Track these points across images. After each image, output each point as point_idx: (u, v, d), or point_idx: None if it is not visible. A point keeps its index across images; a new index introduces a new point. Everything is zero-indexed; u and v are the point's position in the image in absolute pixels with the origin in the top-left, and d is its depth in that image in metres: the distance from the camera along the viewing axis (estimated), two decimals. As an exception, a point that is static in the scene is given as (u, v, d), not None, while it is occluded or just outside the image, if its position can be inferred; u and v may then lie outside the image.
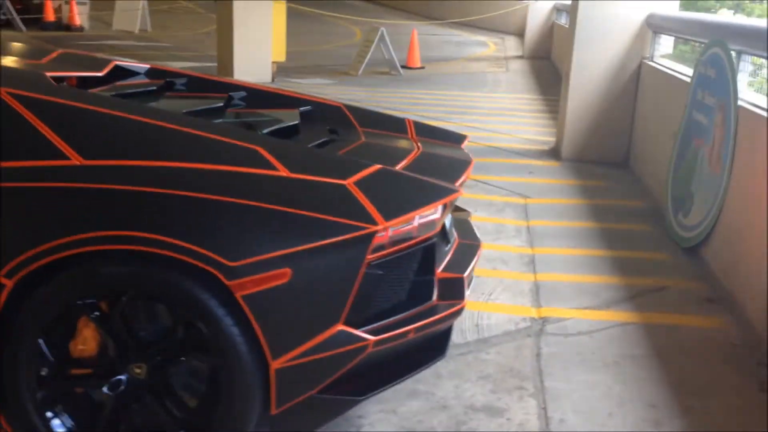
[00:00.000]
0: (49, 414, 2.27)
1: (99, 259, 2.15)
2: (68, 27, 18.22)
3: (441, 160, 2.96)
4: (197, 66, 13.66)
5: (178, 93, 3.43)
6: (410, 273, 2.49)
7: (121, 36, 17.93)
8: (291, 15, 13.33)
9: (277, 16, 12.17)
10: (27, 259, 2.12)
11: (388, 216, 2.25)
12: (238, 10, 11.56)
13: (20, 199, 2.19)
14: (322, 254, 2.18)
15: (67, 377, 2.28)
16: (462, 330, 3.55)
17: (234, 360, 2.17)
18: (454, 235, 3.08)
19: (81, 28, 18.43)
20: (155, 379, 2.27)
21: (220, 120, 3.01)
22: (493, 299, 3.94)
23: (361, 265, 2.20)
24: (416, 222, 2.38)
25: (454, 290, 2.62)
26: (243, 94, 3.46)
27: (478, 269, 4.25)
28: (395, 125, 3.34)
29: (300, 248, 2.15)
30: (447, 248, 2.90)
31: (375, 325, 2.31)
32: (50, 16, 18.33)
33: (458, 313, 2.55)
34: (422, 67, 14.77)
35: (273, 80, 12.00)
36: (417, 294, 2.54)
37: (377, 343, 2.26)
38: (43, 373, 2.24)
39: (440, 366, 3.19)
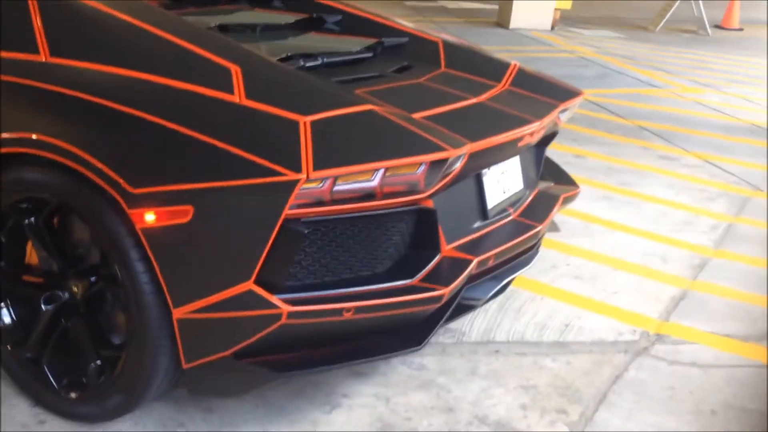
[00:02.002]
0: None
1: (26, 164, 2.06)
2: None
3: (495, 115, 2.39)
4: (480, 7, 13.38)
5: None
6: (379, 240, 2.04)
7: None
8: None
9: (569, -41, 11.35)
10: None
11: (323, 165, 1.83)
12: (525, -50, 10.98)
13: None
14: (230, 197, 1.84)
15: (16, 280, 2.26)
16: (543, 326, 2.95)
17: (138, 297, 1.96)
18: (512, 210, 2.51)
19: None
20: (88, 301, 2.15)
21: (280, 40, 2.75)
22: (613, 299, 3.22)
23: (278, 219, 1.83)
24: (377, 178, 1.91)
25: (445, 274, 2.11)
26: (338, 17, 3.12)
27: (622, 261, 3.54)
28: (491, 70, 2.78)
29: (204, 185, 1.85)
30: (480, 222, 2.36)
31: (299, 294, 1.92)
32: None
33: (426, 301, 2.03)
34: (740, 29, 12.85)
35: (552, 28, 11.29)
36: (396, 268, 2.09)
37: (294, 314, 1.89)
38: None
39: (482, 362, 2.69)
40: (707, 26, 12.16)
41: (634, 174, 4.88)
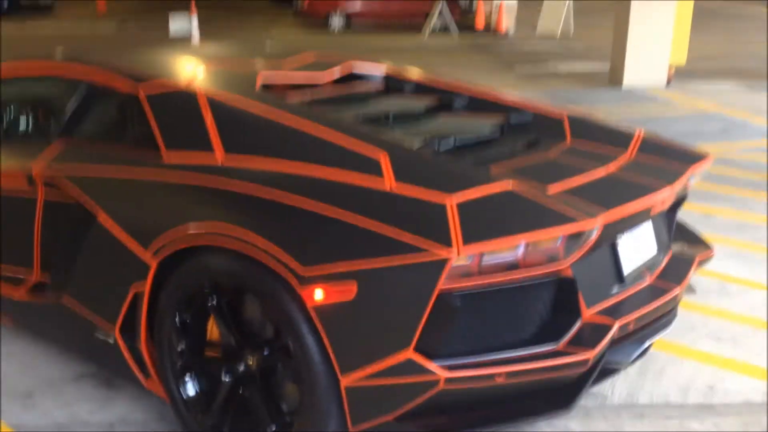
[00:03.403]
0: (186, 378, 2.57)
1: (211, 251, 2.36)
2: (495, 32, 19.35)
3: (625, 184, 2.52)
4: (591, 68, 13.41)
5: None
6: (524, 308, 2.20)
7: (539, 39, 18.40)
8: (699, 13, 12.24)
9: (681, 14, 11.26)
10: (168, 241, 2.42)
11: (471, 241, 2.02)
12: (637, 7, 10.98)
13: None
14: (389, 274, 2.06)
15: (200, 355, 2.55)
16: (687, 388, 2.97)
17: (309, 368, 2.19)
18: (649, 274, 2.60)
19: (506, 35, 19.39)
20: (263, 372, 2.40)
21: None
22: (756, 360, 3.20)
23: (432, 292, 2.03)
24: (520, 251, 2.09)
25: (588, 338, 2.23)
26: (465, 101, 3.35)
27: (762, 320, 3.50)
28: (616, 139, 2.92)
29: (366, 265, 2.07)
30: (618, 288, 2.47)
31: (454, 361, 2.10)
32: (480, 24, 19.60)
33: (574, 366, 2.15)
34: None
35: (668, 84, 11.18)
36: (540, 333, 2.23)
37: (451, 380, 2.06)
38: (179, 348, 2.53)
39: (626, 425, 2.75)
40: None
41: (766, 230, 4.79)
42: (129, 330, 2.64)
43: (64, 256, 2.82)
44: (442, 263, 2.02)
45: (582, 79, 12.22)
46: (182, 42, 11.58)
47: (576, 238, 2.14)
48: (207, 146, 2.55)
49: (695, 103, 9.74)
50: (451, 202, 2.12)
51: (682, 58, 11.28)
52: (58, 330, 2.96)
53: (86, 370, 3.16)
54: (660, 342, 3.22)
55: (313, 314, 2.14)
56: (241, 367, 2.43)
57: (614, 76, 11.49)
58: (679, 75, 11.56)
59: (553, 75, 12.88)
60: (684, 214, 4.96)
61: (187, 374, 2.56)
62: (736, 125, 8.26)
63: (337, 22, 19.26)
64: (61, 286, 2.83)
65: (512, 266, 2.11)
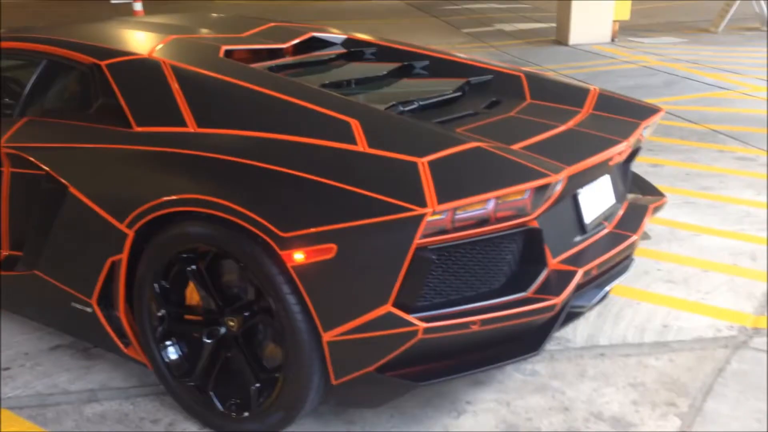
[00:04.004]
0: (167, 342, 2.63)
1: (188, 220, 2.41)
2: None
3: (584, 139, 2.64)
4: (537, 27, 13.57)
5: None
6: (495, 260, 2.31)
7: (489, 2, 18.48)
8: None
9: (623, -29, 11.47)
10: (144, 210, 2.45)
11: (444, 199, 2.12)
12: (580, -33, 11.15)
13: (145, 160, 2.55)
14: (367, 234, 2.15)
15: (180, 320, 2.61)
16: (643, 328, 3.15)
17: (292, 326, 2.27)
18: (607, 223, 2.75)
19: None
20: (245, 333, 2.48)
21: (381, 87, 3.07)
22: (707, 299, 3.40)
23: (409, 249, 2.12)
24: (490, 206, 2.20)
25: (555, 285, 2.36)
26: (425, 63, 3.44)
27: (711, 262, 3.70)
28: (573, 97, 3.05)
29: (345, 225, 2.16)
30: (580, 237, 2.61)
31: (431, 312, 2.21)
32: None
33: (543, 311, 2.29)
34: (805, 20, 12.68)
35: (613, 40, 11.42)
36: (510, 283, 2.36)
37: (429, 330, 2.17)
38: (160, 314, 2.59)
39: (589, 365, 2.91)
40: (771, 21, 12.06)
41: (713, 177, 5.02)
42: (106, 299, 2.68)
43: (37, 228, 2.84)
44: (418, 220, 2.11)
45: (528, 37, 12.37)
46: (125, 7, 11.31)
47: (542, 191, 2.26)
48: (178, 116, 2.59)
49: (639, 58, 9.98)
50: (423, 161, 2.21)
51: (625, 14, 11.51)
52: (33, 303, 2.99)
53: (62, 341, 3.20)
54: (617, 287, 3.40)
55: (294, 275, 2.22)
56: (223, 330, 2.50)
57: (561, 34, 11.67)
58: (623, 30, 11.81)
59: (499, 33, 13.00)
60: (635, 165, 5.16)
61: (169, 339, 2.62)
62: (679, 78, 8.51)
63: (281, -15, 19.03)
64: (34, 259, 2.85)
65: (483, 220, 2.21)
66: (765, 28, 12.05)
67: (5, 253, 3.04)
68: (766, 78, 8.25)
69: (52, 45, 3.07)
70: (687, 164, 5.34)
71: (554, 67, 9.27)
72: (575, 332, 3.14)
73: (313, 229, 2.18)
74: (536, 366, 2.91)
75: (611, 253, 2.60)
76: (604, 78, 8.50)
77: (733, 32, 11.98)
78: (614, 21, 11.42)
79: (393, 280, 2.15)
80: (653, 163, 5.39)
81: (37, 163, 2.80)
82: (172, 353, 2.62)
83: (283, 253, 2.21)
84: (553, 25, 12.22)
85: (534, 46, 11.37)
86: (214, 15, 3.97)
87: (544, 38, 12.17)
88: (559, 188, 2.34)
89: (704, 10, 14.21)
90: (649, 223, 3.99)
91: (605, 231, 2.73)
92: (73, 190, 2.66)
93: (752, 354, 2.94)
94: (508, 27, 13.64)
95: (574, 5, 11.15)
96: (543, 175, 2.23)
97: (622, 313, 3.29)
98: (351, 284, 2.20)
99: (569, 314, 2.56)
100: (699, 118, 6.60)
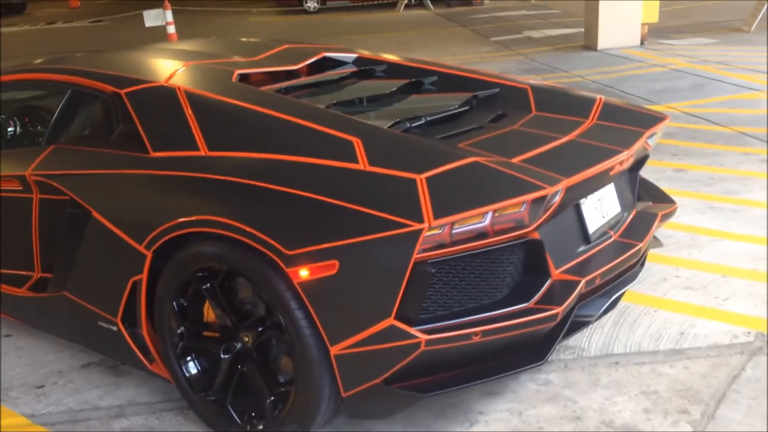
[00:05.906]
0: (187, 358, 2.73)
1: (202, 240, 2.52)
2: (470, 1, 19.41)
3: (585, 150, 2.68)
4: (565, 33, 13.53)
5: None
6: (496, 271, 2.37)
7: (515, 6, 18.49)
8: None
9: (651, -26, 11.38)
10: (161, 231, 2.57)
11: (441, 214, 2.19)
12: (607, -30, 11.09)
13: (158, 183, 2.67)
14: (368, 250, 2.22)
15: (198, 336, 2.71)
16: (659, 336, 3.16)
17: (301, 340, 2.36)
18: (613, 232, 2.78)
19: (481, 2, 19.46)
20: (258, 348, 2.56)
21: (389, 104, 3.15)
22: (725, 305, 3.39)
23: (408, 263, 2.19)
24: (488, 219, 2.26)
25: (557, 295, 2.41)
26: (434, 78, 3.51)
27: (731, 267, 3.69)
28: (578, 107, 3.08)
29: (346, 242, 2.23)
30: (584, 246, 2.64)
31: (434, 324, 2.27)
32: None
33: (543, 321, 2.33)
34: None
35: (642, 43, 11.33)
36: (513, 294, 2.41)
37: (431, 342, 2.23)
38: (179, 331, 2.69)
39: (602, 373, 2.93)
40: (805, 18, 11.85)
41: (737, 181, 4.98)
42: (130, 318, 2.80)
43: (64, 251, 2.97)
44: (415, 235, 2.18)
45: (556, 43, 12.35)
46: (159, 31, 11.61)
47: (539, 203, 2.31)
48: (191, 140, 2.70)
49: (668, 60, 9.90)
50: (421, 177, 2.28)
51: (654, 16, 11.41)
52: (63, 323, 3.12)
53: (92, 358, 3.33)
54: (634, 295, 3.43)
55: (300, 291, 2.30)
56: (238, 345, 2.59)
57: (589, 39, 11.62)
58: (652, 33, 11.71)
59: (527, 40, 13.00)
60: (656, 171, 5.16)
61: (189, 355, 2.73)
62: (708, 80, 8.43)
63: (312, 2, 19.35)
64: (63, 281, 2.99)
65: (481, 234, 2.27)
66: (800, 26, 11.83)
67: (38, 275, 3.19)
68: (798, 77, 8.12)
69: (75, 75, 3.22)
70: (712, 168, 5.31)
71: (581, 73, 9.26)
72: (590, 341, 3.16)
73: (316, 247, 2.27)
74: (549, 375, 2.95)
75: (615, 262, 2.63)
76: (632, 83, 8.46)
77: (766, 31, 11.79)
78: (643, 24, 11.32)
79: (394, 294, 2.22)
80: (677, 168, 5.37)
81: (62, 189, 2.94)
82: (192, 368, 2.73)
83: (289, 270, 2.30)
84: (582, 30, 12.17)
85: (562, 52, 11.34)
86: (235, 39, 4.10)
87: (572, 44, 12.13)
88: (557, 199, 2.39)
89: (737, 10, 14.00)
90: (663, 230, 4.01)
91: (611, 240, 2.76)
92: (95, 214, 2.79)
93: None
94: (536, 34, 13.63)
95: (602, 9, 11.10)
96: (539, 188, 2.28)
97: (639, 321, 3.30)
98: (355, 299, 2.28)
99: (575, 323, 2.60)
100: (726, 121, 6.54)
